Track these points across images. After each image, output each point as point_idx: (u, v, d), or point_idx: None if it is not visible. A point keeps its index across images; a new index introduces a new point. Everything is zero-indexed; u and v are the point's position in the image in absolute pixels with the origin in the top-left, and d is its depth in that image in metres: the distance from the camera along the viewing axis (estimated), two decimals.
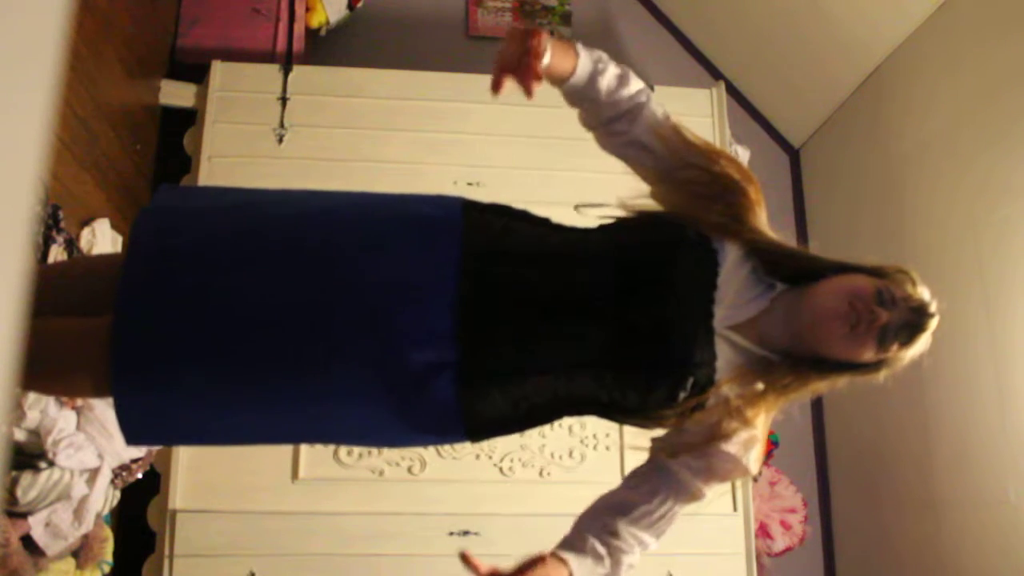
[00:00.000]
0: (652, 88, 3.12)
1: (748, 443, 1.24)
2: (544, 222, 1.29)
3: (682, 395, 1.18)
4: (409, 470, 2.69)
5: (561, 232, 1.28)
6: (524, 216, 1.29)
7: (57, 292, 1.26)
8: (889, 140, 3.13)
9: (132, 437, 1.23)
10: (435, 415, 1.18)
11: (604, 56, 1.35)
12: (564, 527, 2.65)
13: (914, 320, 1.21)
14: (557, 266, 1.21)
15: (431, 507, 2.65)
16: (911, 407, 2.81)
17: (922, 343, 1.24)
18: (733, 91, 3.64)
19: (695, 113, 3.15)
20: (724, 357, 1.21)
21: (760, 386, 1.22)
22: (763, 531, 3.00)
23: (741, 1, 3.48)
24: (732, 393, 1.21)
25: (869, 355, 1.21)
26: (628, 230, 1.28)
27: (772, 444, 3.14)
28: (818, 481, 3.42)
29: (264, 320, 1.15)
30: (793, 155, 3.78)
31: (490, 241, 1.21)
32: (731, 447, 1.23)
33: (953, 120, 2.77)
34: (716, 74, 3.69)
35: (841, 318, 1.19)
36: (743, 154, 3.26)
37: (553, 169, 3.00)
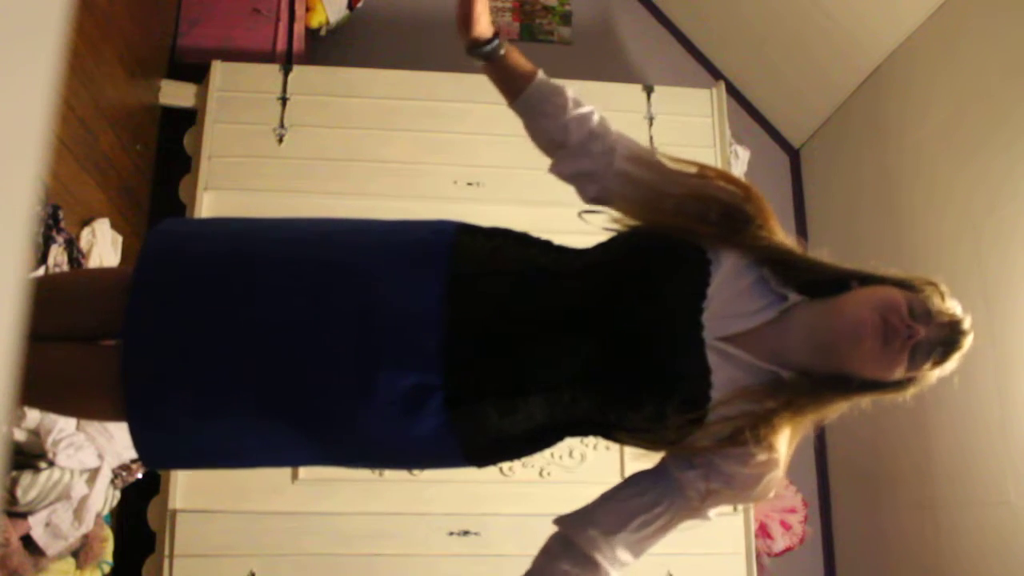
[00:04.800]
0: (652, 88, 3.15)
1: (766, 466, 1.17)
2: (539, 243, 1.27)
3: (670, 411, 1.13)
4: (409, 470, 2.69)
5: (554, 252, 1.25)
6: (520, 238, 1.27)
7: (62, 312, 1.25)
8: (889, 140, 3.13)
9: (150, 463, 1.27)
10: (431, 439, 1.17)
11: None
12: None
13: (949, 337, 1.15)
14: (542, 284, 1.18)
15: (431, 507, 2.65)
16: (911, 407, 2.80)
17: (955, 361, 1.18)
18: (733, 91, 3.64)
19: (695, 113, 3.15)
20: (722, 371, 1.14)
21: (772, 404, 1.15)
22: (763, 531, 3.00)
23: (741, 1, 3.48)
24: (736, 411, 1.14)
25: (900, 373, 1.15)
26: (618, 244, 1.24)
27: None
28: (818, 481, 3.42)
29: (262, 349, 1.15)
30: (793, 155, 3.78)
31: (477, 263, 1.19)
32: (746, 468, 1.16)
33: (953, 120, 2.77)
34: (716, 74, 3.69)
35: (875, 332, 1.12)
36: (743, 154, 3.26)
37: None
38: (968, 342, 1.17)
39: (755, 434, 1.14)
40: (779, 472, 1.19)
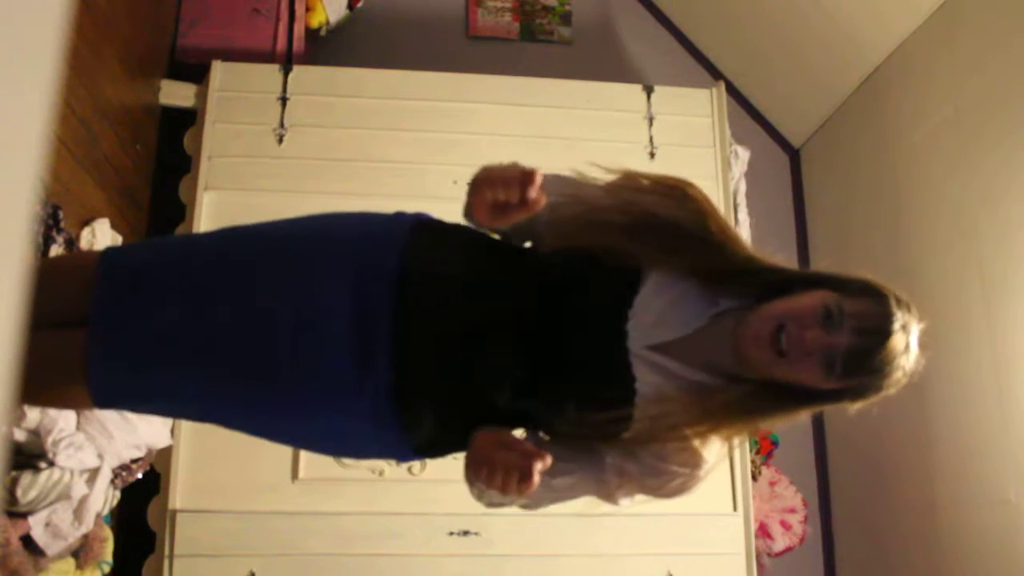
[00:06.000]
0: (652, 88, 3.15)
1: (684, 465, 1.17)
2: (488, 245, 1.29)
3: (590, 416, 1.14)
4: (409, 470, 2.68)
5: (499, 256, 1.28)
6: (469, 240, 1.29)
7: (44, 299, 1.28)
8: (889, 140, 3.13)
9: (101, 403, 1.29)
10: (384, 433, 1.21)
11: None
12: (563, 528, 2.64)
13: (860, 345, 1.08)
14: (481, 290, 1.21)
15: (431, 507, 2.65)
16: (911, 407, 2.81)
17: (888, 372, 1.10)
18: (733, 91, 3.63)
19: (695, 113, 3.15)
20: (648, 379, 1.15)
21: (696, 411, 1.14)
22: (763, 531, 3.00)
23: (741, 2, 3.48)
24: (659, 416, 1.14)
25: (815, 380, 1.11)
26: (555, 252, 1.25)
27: (772, 444, 3.14)
28: (818, 481, 3.42)
29: (221, 337, 1.20)
30: (793, 155, 3.78)
31: (422, 268, 1.22)
32: (662, 464, 1.17)
33: (954, 120, 2.77)
34: (716, 74, 3.69)
35: (763, 342, 1.11)
36: (743, 154, 3.26)
37: (552, 169, 2.99)
38: (888, 351, 1.08)
39: (677, 437, 1.14)
40: (700, 473, 1.19)
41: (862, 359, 1.09)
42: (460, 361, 1.19)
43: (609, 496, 1.23)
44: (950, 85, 2.79)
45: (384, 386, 1.17)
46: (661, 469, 1.18)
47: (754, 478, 2.97)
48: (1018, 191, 2.46)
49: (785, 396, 1.15)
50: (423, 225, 1.29)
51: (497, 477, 1.05)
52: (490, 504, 1.22)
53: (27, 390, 1.32)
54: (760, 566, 2.85)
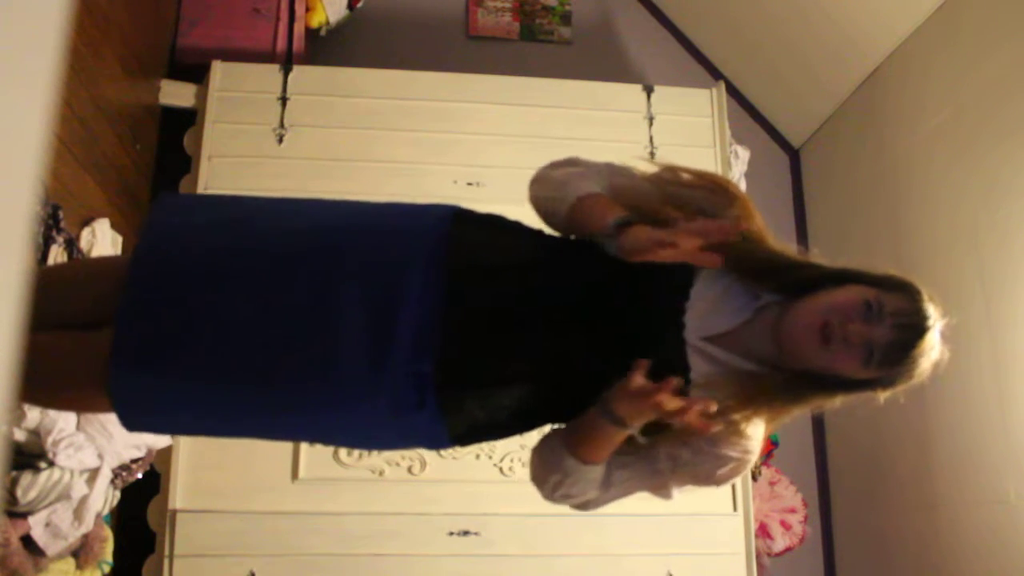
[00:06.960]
0: (652, 88, 3.15)
1: (733, 450, 1.21)
2: (531, 233, 1.29)
3: None
4: (409, 470, 2.69)
5: (543, 245, 1.28)
6: (513, 228, 1.29)
7: (61, 300, 1.28)
8: (889, 140, 3.13)
9: (129, 423, 1.27)
10: (421, 422, 1.20)
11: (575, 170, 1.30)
12: (563, 527, 2.64)
13: (900, 339, 1.14)
14: (529, 279, 1.21)
15: (431, 507, 2.65)
16: (911, 407, 2.80)
17: (920, 364, 1.16)
18: (733, 91, 3.64)
19: (695, 113, 3.15)
20: (701, 368, 1.19)
21: (744, 398, 1.19)
22: (763, 531, 3.00)
23: (741, 2, 3.48)
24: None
25: (853, 370, 1.17)
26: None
27: (772, 444, 3.14)
28: (818, 481, 3.42)
29: (261, 335, 1.18)
30: (793, 155, 3.78)
31: (470, 255, 1.22)
32: (714, 448, 1.21)
33: (953, 120, 2.77)
34: (716, 74, 3.69)
35: (812, 332, 1.16)
36: (743, 154, 3.26)
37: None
38: (923, 344, 1.15)
39: (726, 423, 1.18)
40: (749, 458, 1.24)
41: (900, 352, 1.15)
42: (513, 353, 1.19)
43: (663, 487, 1.26)
44: (950, 85, 2.79)
45: (415, 378, 1.16)
46: (713, 454, 1.21)
47: (754, 478, 2.97)
48: (1018, 191, 2.46)
49: (820, 383, 1.21)
50: (462, 216, 1.28)
51: (667, 400, 1.08)
52: (564, 496, 1.27)
53: (39, 391, 1.32)
54: (760, 566, 2.85)
